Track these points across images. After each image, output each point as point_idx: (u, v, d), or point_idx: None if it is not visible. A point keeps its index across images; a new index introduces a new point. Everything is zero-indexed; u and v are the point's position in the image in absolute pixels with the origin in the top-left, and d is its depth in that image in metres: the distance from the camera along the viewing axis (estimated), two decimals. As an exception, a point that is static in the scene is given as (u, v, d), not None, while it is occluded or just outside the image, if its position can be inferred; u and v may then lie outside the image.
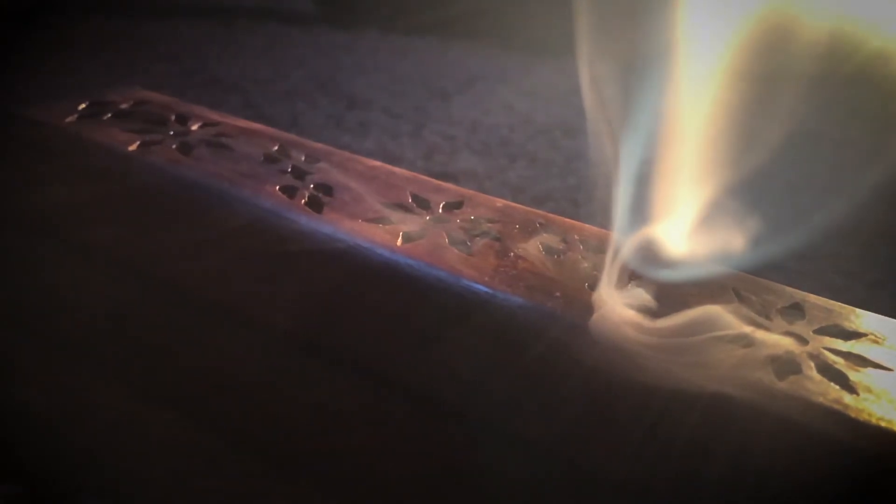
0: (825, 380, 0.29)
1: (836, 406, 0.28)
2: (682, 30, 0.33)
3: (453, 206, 0.39)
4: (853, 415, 0.27)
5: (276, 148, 0.43)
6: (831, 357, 0.30)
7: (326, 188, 0.40)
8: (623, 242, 0.34)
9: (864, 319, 0.32)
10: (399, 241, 0.35)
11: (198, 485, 0.42)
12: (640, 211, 0.34)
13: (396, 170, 0.42)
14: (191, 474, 0.42)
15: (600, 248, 0.35)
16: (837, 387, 0.28)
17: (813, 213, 0.39)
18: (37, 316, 0.46)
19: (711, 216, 0.33)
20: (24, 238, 0.45)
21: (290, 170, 0.41)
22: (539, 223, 0.38)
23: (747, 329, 0.31)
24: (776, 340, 0.31)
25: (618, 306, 0.32)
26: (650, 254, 0.34)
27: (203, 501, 0.42)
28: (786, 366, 0.29)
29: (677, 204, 0.34)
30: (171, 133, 0.44)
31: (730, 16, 0.34)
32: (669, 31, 0.32)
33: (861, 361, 0.30)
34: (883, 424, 0.27)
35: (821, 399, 0.28)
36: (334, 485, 0.39)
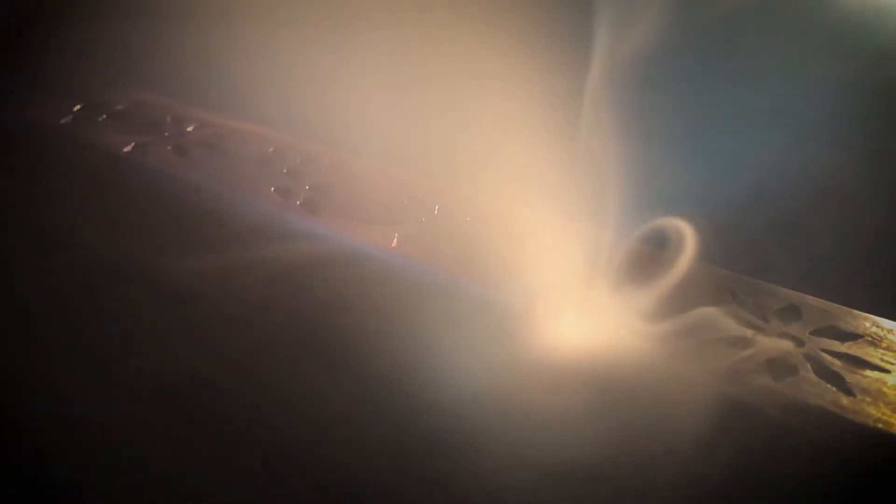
0: (822, 381, 0.29)
1: (832, 408, 0.27)
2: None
3: (449, 207, 0.39)
4: (850, 417, 0.27)
5: (271, 149, 0.43)
6: (828, 359, 0.30)
7: (322, 189, 0.39)
8: (620, 244, 0.34)
9: (860, 321, 0.32)
10: (395, 242, 0.35)
11: (196, 486, 0.42)
12: (638, 212, 0.34)
13: (393, 171, 0.42)
14: (188, 475, 0.42)
15: (598, 249, 0.35)
16: (834, 389, 0.28)
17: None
18: (34, 317, 0.46)
19: (709, 218, 0.33)
20: (19, 239, 0.45)
21: (285, 171, 0.41)
22: (536, 225, 0.38)
23: (744, 331, 0.31)
24: (773, 342, 0.31)
25: (616, 309, 0.32)
26: (647, 255, 0.34)
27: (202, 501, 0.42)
28: (783, 368, 0.29)
29: (674, 205, 0.34)
30: (167, 134, 0.43)
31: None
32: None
33: (858, 363, 0.30)
34: (880, 427, 0.27)
35: (818, 401, 0.28)
36: (331, 484, 0.39)
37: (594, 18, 0.33)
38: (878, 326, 0.32)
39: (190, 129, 0.44)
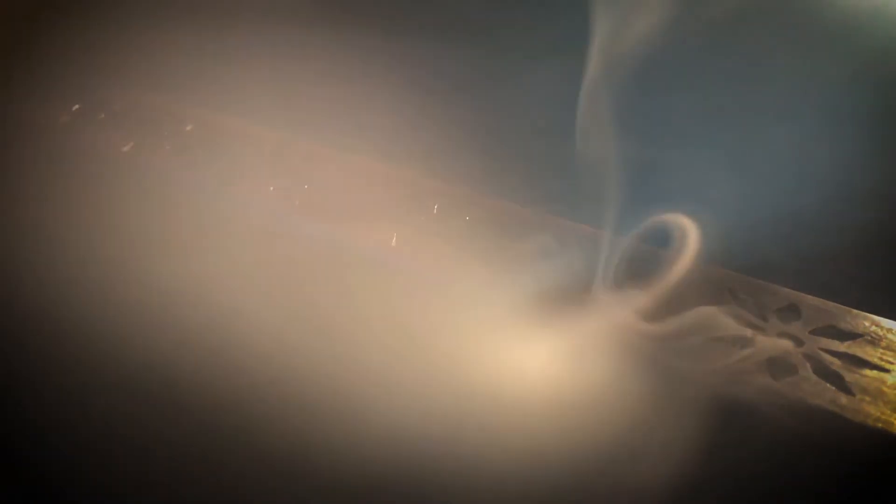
0: (821, 381, 0.29)
1: (832, 407, 0.27)
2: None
3: (449, 206, 0.39)
4: (849, 416, 0.27)
5: (270, 149, 0.43)
6: (827, 358, 0.30)
7: (321, 188, 0.40)
8: (619, 243, 0.34)
9: (860, 320, 0.32)
10: (394, 241, 0.35)
11: (195, 486, 0.42)
12: (637, 211, 0.34)
13: (392, 170, 0.42)
14: (187, 475, 0.42)
15: (596, 249, 0.35)
16: (833, 388, 0.28)
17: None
18: (32, 317, 0.46)
19: (709, 217, 0.33)
20: (17, 239, 0.45)
21: (284, 170, 0.41)
22: (535, 224, 0.38)
23: (744, 331, 0.31)
24: (772, 342, 0.31)
25: (614, 308, 0.32)
26: (646, 254, 0.34)
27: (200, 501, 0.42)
28: (782, 367, 0.29)
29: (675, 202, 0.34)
30: (166, 134, 0.44)
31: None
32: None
33: (857, 362, 0.30)
34: (879, 426, 0.27)
35: (817, 400, 0.28)
36: (329, 483, 0.39)
37: (594, 13, 0.33)
38: (877, 326, 0.32)
39: (189, 128, 0.44)
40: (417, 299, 0.34)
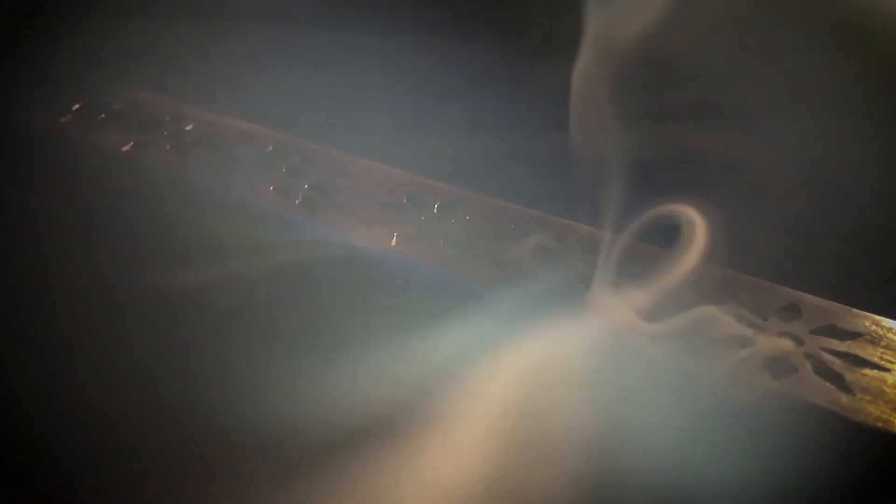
0: (822, 380, 0.29)
1: (832, 407, 0.27)
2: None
3: (449, 206, 0.39)
4: (850, 416, 0.27)
5: (271, 148, 0.43)
6: (828, 357, 0.30)
7: (321, 188, 0.40)
8: (618, 242, 0.34)
9: (860, 319, 0.32)
10: (394, 241, 0.35)
11: (194, 486, 0.42)
12: (637, 210, 0.34)
13: (392, 170, 0.42)
14: (186, 477, 0.42)
15: (596, 248, 0.35)
16: (834, 387, 0.28)
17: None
18: (32, 319, 0.46)
19: (709, 216, 0.33)
20: (16, 240, 0.45)
21: (284, 170, 0.41)
22: (534, 223, 0.38)
23: (744, 330, 0.31)
24: (773, 341, 0.31)
25: (614, 307, 0.32)
26: (646, 253, 0.34)
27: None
28: (782, 366, 0.29)
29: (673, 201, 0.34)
30: (166, 133, 0.44)
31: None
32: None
33: (858, 362, 0.30)
34: (879, 425, 0.27)
35: (817, 400, 0.28)
36: (331, 484, 0.39)
37: (592, 10, 0.33)
38: (877, 325, 0.32)
39: (189, 127, 0.45)
40: (419, 301, 0.34)
